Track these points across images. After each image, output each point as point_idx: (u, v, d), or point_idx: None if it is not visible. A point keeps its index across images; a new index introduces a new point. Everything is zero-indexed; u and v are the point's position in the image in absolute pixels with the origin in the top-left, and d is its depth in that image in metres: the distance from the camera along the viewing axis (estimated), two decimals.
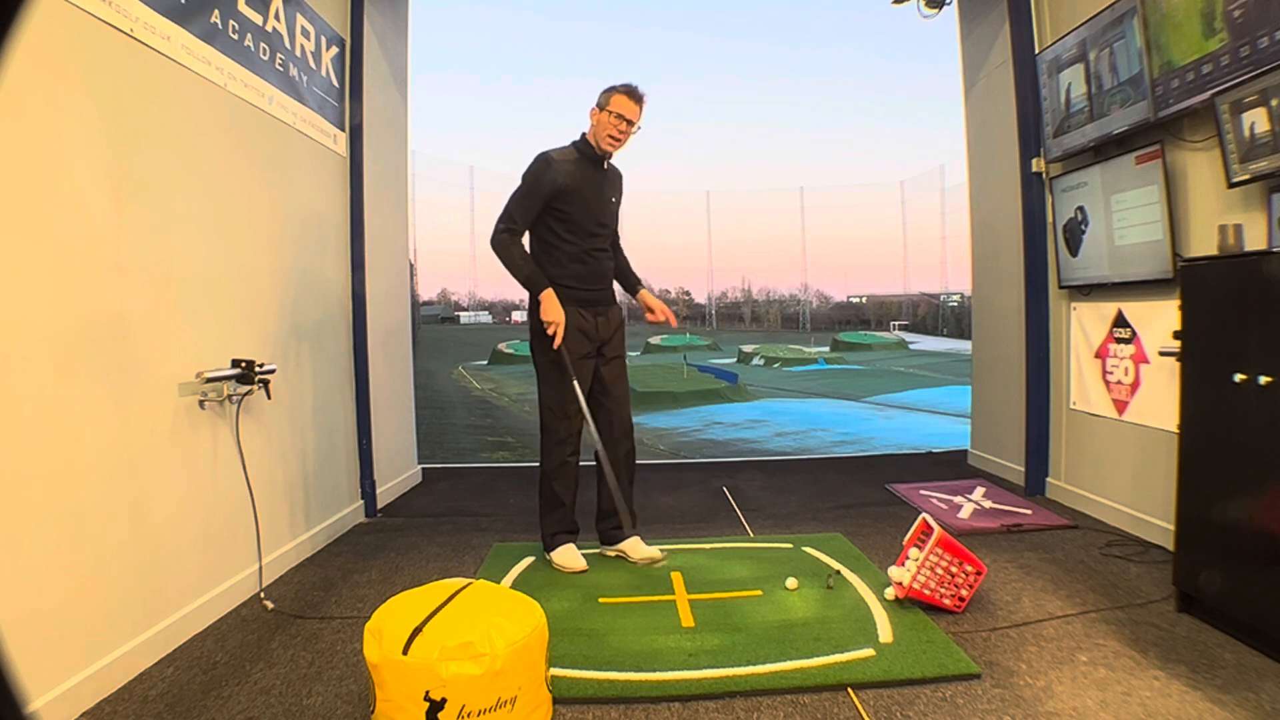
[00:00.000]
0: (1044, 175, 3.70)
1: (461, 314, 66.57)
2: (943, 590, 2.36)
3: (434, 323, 57.93)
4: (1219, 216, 2.58)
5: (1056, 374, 3.75)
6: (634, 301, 3.24)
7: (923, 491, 3.91)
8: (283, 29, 2.97)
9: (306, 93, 3.17)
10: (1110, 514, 3.30)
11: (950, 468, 4.61)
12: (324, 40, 3.37)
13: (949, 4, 4.47)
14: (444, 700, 1.55)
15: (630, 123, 2.81)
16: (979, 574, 2.38)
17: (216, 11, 2.48)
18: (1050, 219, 3.66)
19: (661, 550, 2.96)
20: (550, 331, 2.74)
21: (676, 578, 2.74)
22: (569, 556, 2.87)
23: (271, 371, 2.62)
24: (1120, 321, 3.24)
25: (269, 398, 2.65)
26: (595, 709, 1.86)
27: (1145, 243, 2.97)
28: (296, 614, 2.46)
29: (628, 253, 3.17)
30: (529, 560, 2.96)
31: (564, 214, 2.81)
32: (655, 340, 33.03)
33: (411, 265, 5.21)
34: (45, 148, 1.80)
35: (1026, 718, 1.76)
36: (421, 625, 1.63)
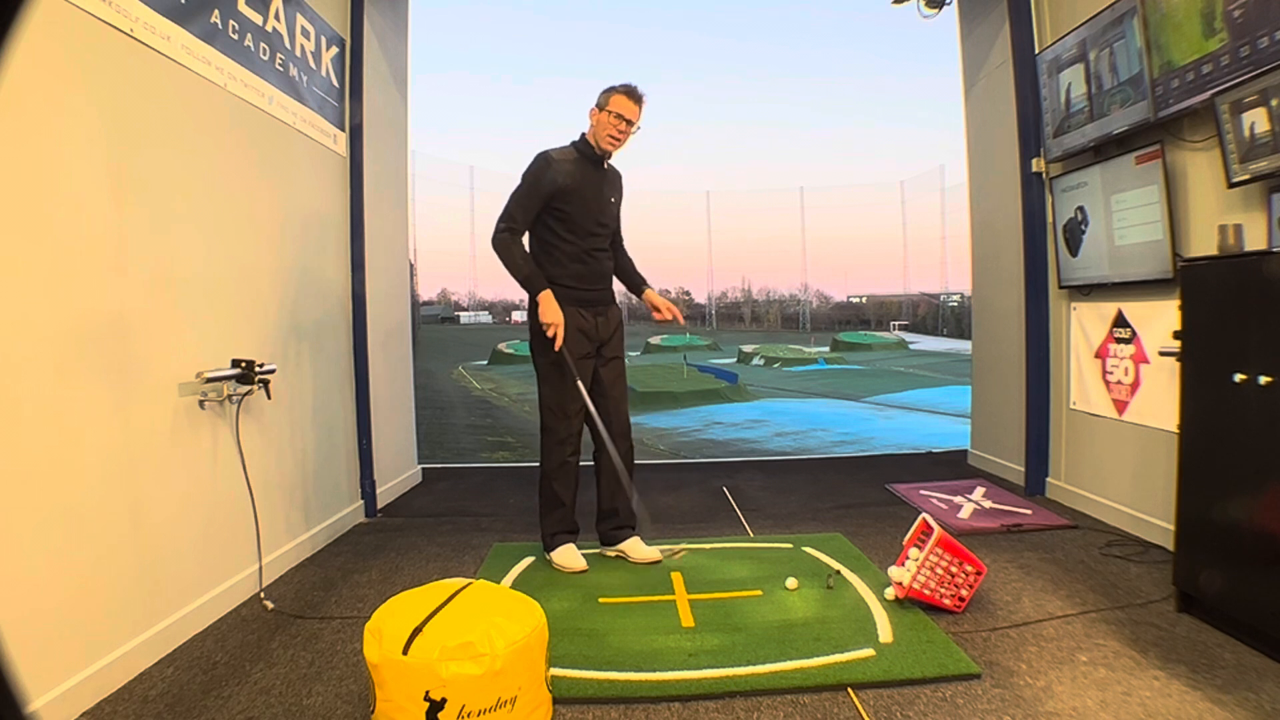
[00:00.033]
0: (1044, 175, 3.70)
1: (461, 314, 66.59)
2: (943, 590, 2.36)
3: (434, 323, 57.94)
4: (1219, 216, 2.58)
5: (1056, 374, 3.75)
6: (635, 301, 3.24)
7: (923, 491, 3.91)
8: (283, 29, 2.97)
9: (306, 93, 3.17)
10: (1110, 514, 3.30)
11: (950, 468, 4.61)
12: (324, 40, 3.37)
13: (949, 4, 4.48)
14: (444, 700, 1.55)
15: (630, 123, 2.81)
16: (979, 574, 2.38)
17: (216, 11, 2.48)
18: (1050, 219, 3.66)
19: (662, 550, 2.97)
20: (550, 334, 2.74)
21: (676, 578, 2.74)
22: (569, 556, 2.87)
23: (271, 371, 2.62)
24: (1120, 321, 3.24)
25: (269, 398, 2.65)
26: (595, 709, 1.86)
27: (1145, 243, 2.97)
28: (296, 614, 2.46)
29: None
30: (529, 560, 2.96)
31: (564, 213, 2.81)
32: (655, 340, 33.03)
33: (411, 265, 5.21)
34: (45, 148, 1.80)
35: (1026, 718, 1.76)
36: (421, 625, 1.63)
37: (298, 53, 3.10)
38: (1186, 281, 2.31)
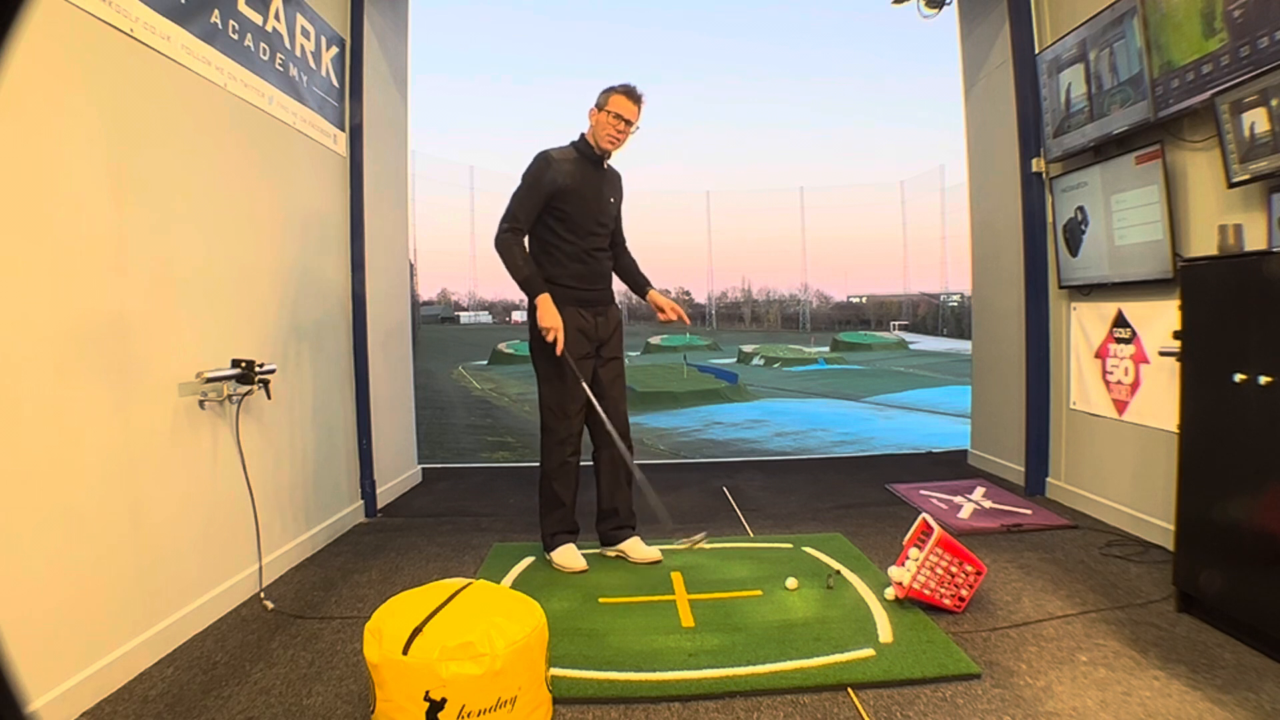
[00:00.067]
0: (1044, 175, 3.70)
1: (461, 314, 66.58)
2: (943, 590, 2.36)
3: (434, 323, 57.93)
4: (1219, 216, 2.58)
5: (1056, 374, 3.75)
6: (635, 301, 3.25)
7: (923, 491, 3.91)
8: (283, 29, 2.97)
9: (306, 93, 3.17)
10: (1110, 514, 3.30)
11: (950, 468, 4.61)
12: (324, 40, 3.37)
13: (949, 4, 4.48)
14: (444, 700, 1.55)
15: (629, 123, 2.82)
16: (979, 574, 2.38)
17: (216, 11, 2.48)
18: (1050, 219, 3.66)
19: (682, 541, 2.99)
20: (549, 339, 2.74)
21: (676, 578, 2.74)
22: (569, 556, 2.87)
23: (271, 371, 2.62)
24: (1120, 321, 3.24)
25: (269, 398, 2.65)
26: (595, 709, 1.86)
27: (1145, 243, 2.97)
28: (296, 614, 2.46)
29: None
30: (529, 560, 2.96)
31: (563, 213, 2.81)
32: (655, 340, 33.03)
33: (411, 265, 5.21)
34: (45, 148, 1.80)
35: (1026, 718, 1.76)
36: (421, 625, 1.63)
37: (298, 53, 3.10)
38: (1186, 281, 2.31)
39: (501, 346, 27.47)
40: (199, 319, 2.40)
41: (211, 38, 2.45)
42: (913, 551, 2.46)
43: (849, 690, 1.91)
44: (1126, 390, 3.21)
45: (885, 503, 3.80)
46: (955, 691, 1.89)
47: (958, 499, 3.74)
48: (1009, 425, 4.13)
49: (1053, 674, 1.96)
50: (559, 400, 2.85)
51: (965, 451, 4.81)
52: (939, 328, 51.59)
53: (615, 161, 2.99)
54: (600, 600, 2.54)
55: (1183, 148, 2.84)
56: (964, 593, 2.37)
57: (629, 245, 3.14)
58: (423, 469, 4.60)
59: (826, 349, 34.75)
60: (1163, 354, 2.90)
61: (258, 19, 2.76)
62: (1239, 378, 2.03)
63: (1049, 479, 3.79)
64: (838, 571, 2.73)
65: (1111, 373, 3.32)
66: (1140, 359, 3.12)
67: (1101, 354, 3.39)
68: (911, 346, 36.72)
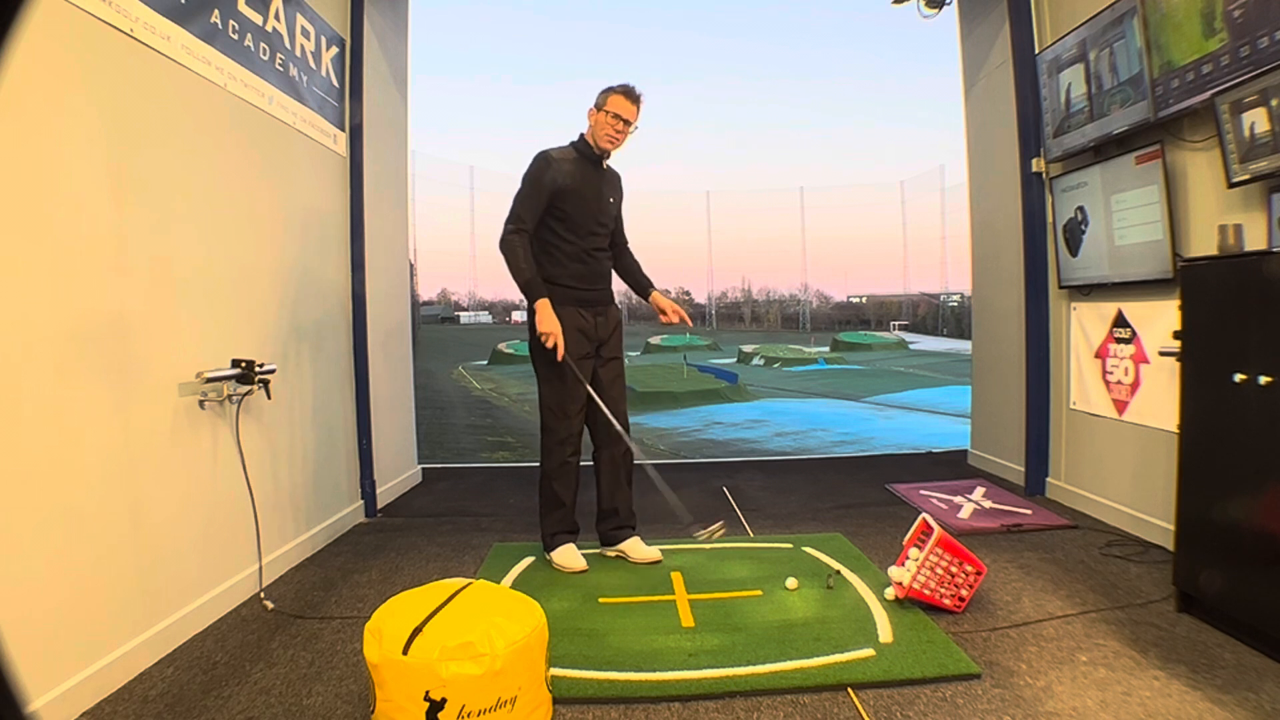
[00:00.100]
0: (1044, 175, 3.70)
1: (461, 314, 66.56)
2: (943, 590, 2.36)
3: (434, 323, 57.91)
4: (1219, 216, 2.58)
5: (1056, 374, 3.75)
6: (635, 301, 3.25)
7: (923, 491, 3.91)
8: (283, 29, 2.97)
9: (306, 93, 3.17)
10: (1110, 514, 3.30)
11: (950, 468, 4.61)
12: (324, 40, 3.37)
13: (949, 4, 4.48)
14: (444, 700, 1.55)
15: (627, 123, 2.82)
16: (979, 574, 2.38)
17: (216, 11, 2.48)
18: (1050, 219, 3.66)
19: (699, 533, 3.00)
20: (549, 344, 2.74)
21: (676, 578, 2.74)
22: (569, 556, 2.87)
23: (271, 371, 2.62)
24: (1120, 321, 3.24)
25: (269, 398, 2.65)
26: (595, 709, 1.86)
27: (1145, 243, 2.97)
28: (296, 614, 2.46)
29: None
30: (529, 560, 2.96)
31: (563, 213, 2.81)
32: (655, 340, 33.02)
33: (411, 265, 5.21)
34: (45, 148, 1.80)
35: (1026, 718, 1.76)
36: (421, 625, 1.63)
37: (298, 53, 3.10)
38: (1186, 281, 2.31)
39: (501, 346, 27.45)
40: (199, 319, 2.40)
41: (211, 38, 2.45)
42: (913, 551, 2.46)
43: (849, 690, 1.91)
44: (1126, 390, 3.21)
45: (885, 503, 3.80)
46: (955, 691, 1.89)
47: (958, 499, 3.74)
48: (1009, 425, 4.13)
49: (1053, 674, 1.96)
50: (559, 400, 2.85)
51: (965, 451, 4.81)
52: (939, 328, 51.59)
53: (614, 161, 2.99)
54: (600, 600, 2.54)
55: (1183, 148, 2.84)
56: (964, 593, 2.37)
57: (630, 245, 3.15)
58: (423, 469, 4.60)
59: (826, 349, 34.74)
60: (1163, 354, 2.90)
61: (258, 19, 2.76)
62: (1239, 378, 2.03)
63: (1049, 479, 3.79)
64: (838, 571, 2.73)
65: (1111, 373, 3.32)
66: (1140, 359, 3.12)
67: (1101, 354, 3.39)
68: (911, 346, 36.71)
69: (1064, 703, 1.82)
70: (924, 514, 2.57)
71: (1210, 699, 1.81)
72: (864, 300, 68.95)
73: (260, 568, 2.62)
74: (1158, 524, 2.94)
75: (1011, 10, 3.79)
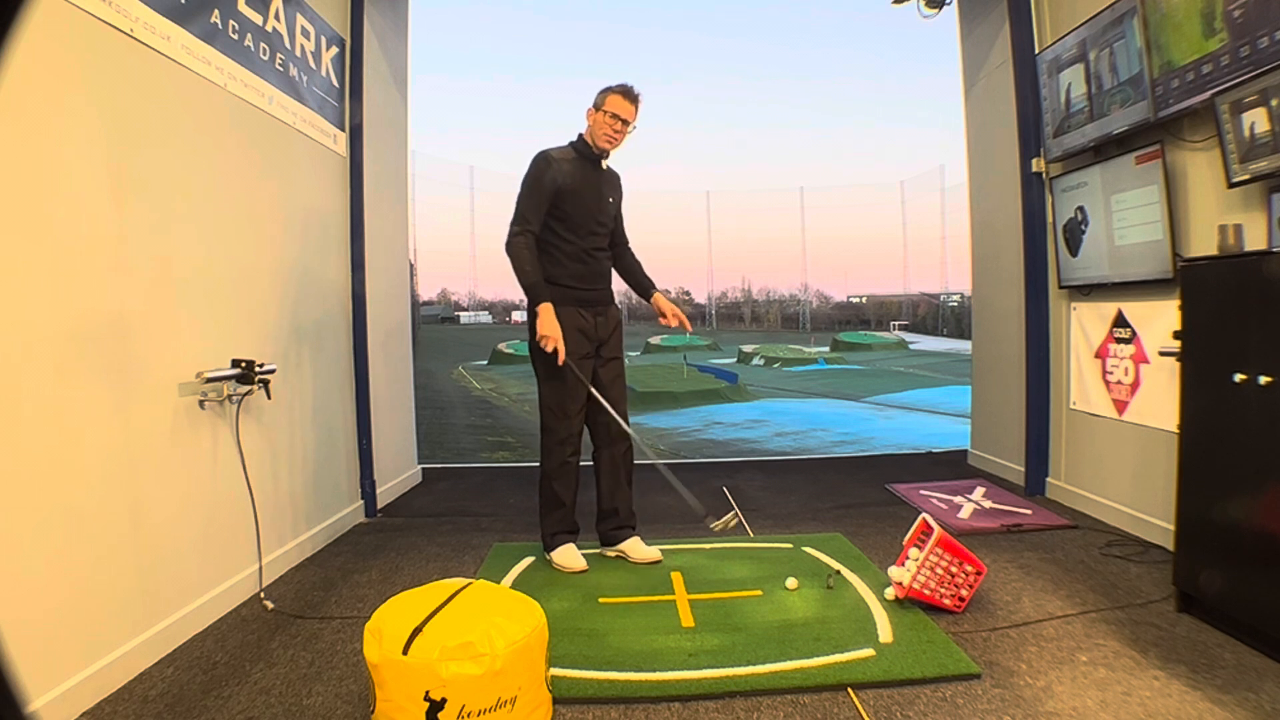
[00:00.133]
0: (1044, 175, 3.71)
1: (461, 314, 66.54)
2: (943, 590, 2.36)
3: (434, 323, 57.89)
4: (1219, 216, 2.58)
5: (1056, 374, 3.75)
6: (635, 301, 3.26)
7: (923, 491, 3.91)
8: (283, 29, 2.97)
9: (306, 93, 3.17)
10: (1110, 514, 3.30)
11: (950, 468, 4.61)
12: (324, 40, 3.37)
13: (949, 4, 4.48)
14: (444, 700, 1.55)
15: (626, 122, 2.82)
16: (979, 574, 2.38)
17: (216, 11, 2.48)
18: (1050, 219, 3.66)
19: (714, 524, 2.99)
20: (549, 348, 2.74)
21: (676, 578, 2.74)
22: (569, 556, 2.87)
23: (271, 371, 2.62)
24: (1120, 321, 3.24)
25: (269, 398, 2.65)
26: (595, 709, 1.86)
27: (1145, 243, 2.97)
28: (296, 614, 2.46)
29: None
30: (529, 560, 2.96)
31: (563, 213, 2.82)
32: (655, 340, 32.99)
33: (411, 265, 5.21)
34: (45, 148, 1.80)
35: (1026, 718, 1.76)
36: (421, 625, 1.63)
37: (298, 53, 3.10)
38: (1186, 281, 2.31)
39: (501, 346, 27.44)
40: (199, 319, 2.40)
41: (211, 38, 2.45)
42: (913, 551, 2.46)
43: (849, 690, 1.91)
44: (1126, 390, 3.21)
45: (885, 503, 3.80)
46: (955, 691, 1.89)
47: (958, 499, 3.74)
48: (1009, 425, 4.13)
49: (1053, 674, 1.96)
50: (559, 400, 2.85)
51: (965, 451, 4.81)
52: (939, 328, 51.58)
53: (614, 161, 2.99)
54: (600, 600, 2.54)
55: (1183, 148, 2.84)
56: (964, 593, 2.37)
57: (630, 245, 3.15)
58: (423, 469, 4.60)
59: (826, 349, 34.72)
60: (1163, 354, 2.90)
61: (258, 19, 2.76)
62: (1239, 378, 2.03)
63: (1049, 479, 3.79)
64: (838, 571, 2.73)
65: (1111, 373, 3.32)
66: (1140, 359, 3.12)
67: (1101, 354, 3.39)
68: (911, 346, 36.69)
69: (1064, 703, 1.82)
70: (924, 514, 2.57)
71: (1210, 699, 1.81)
72: (864, 300, 68.95)
73: (260, 568, 2.62)
74: (1158, 524, 2.94)
75: (1011, 10, 3.79)
